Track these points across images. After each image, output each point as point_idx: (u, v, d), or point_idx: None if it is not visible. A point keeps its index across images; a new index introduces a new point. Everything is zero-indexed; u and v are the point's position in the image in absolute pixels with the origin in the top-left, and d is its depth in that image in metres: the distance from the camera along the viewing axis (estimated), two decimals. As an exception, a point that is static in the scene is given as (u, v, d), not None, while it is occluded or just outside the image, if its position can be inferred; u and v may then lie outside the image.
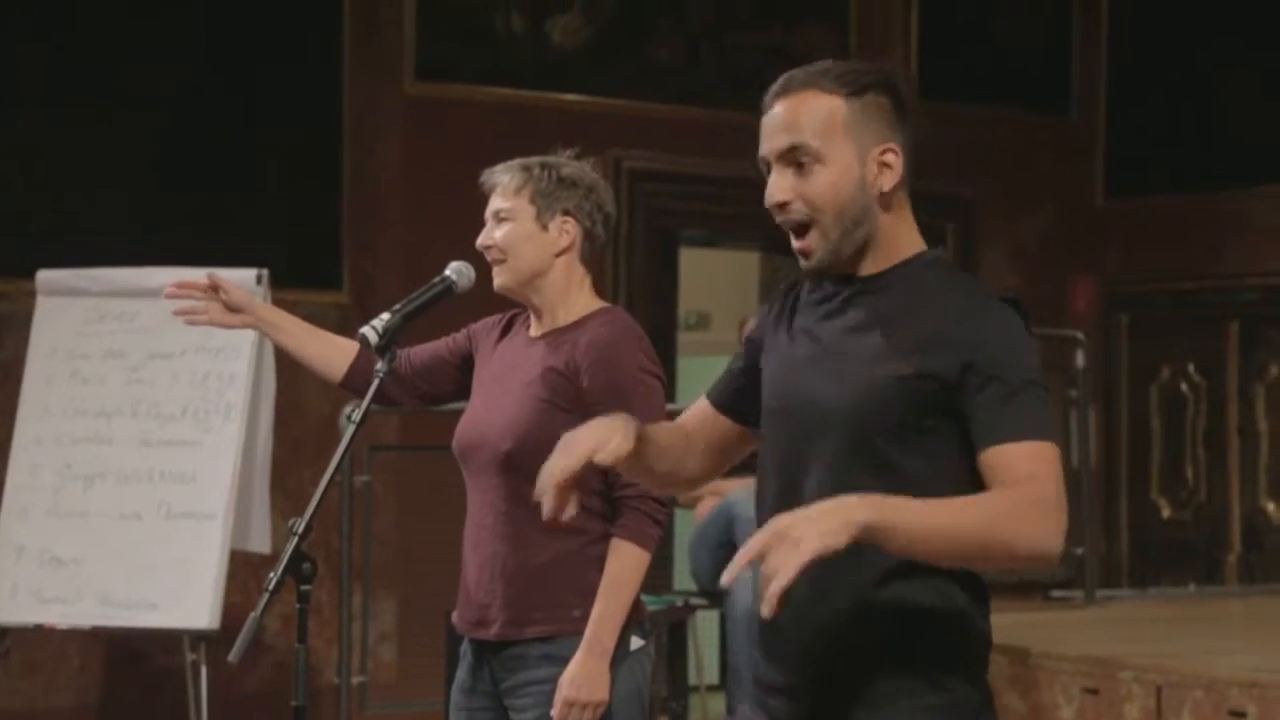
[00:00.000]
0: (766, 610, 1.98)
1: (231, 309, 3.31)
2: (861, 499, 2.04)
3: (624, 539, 3.11)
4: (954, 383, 2.20)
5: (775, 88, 2.32)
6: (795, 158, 2.27)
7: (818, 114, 2.27)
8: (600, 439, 2.22)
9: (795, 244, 2.31)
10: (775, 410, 2.36)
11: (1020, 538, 2.09)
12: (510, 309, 3.35)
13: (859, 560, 2.21)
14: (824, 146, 2.26)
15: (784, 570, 1.96)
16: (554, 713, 3.08)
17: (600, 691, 3.07)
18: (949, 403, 2.21)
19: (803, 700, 2.31)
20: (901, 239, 2.34)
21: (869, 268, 2.32)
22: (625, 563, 3.10)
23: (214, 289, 3.27)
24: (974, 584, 2.30)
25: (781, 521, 2.00)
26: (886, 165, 2.30)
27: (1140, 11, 8.62)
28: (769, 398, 2.38)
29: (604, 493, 3.13)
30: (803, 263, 2.32)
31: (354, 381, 3.36)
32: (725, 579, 2.03)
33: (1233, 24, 8.30)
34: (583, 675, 3.07)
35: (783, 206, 2.29)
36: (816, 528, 1.99)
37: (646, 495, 3.11)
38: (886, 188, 2.30)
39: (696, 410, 2.52)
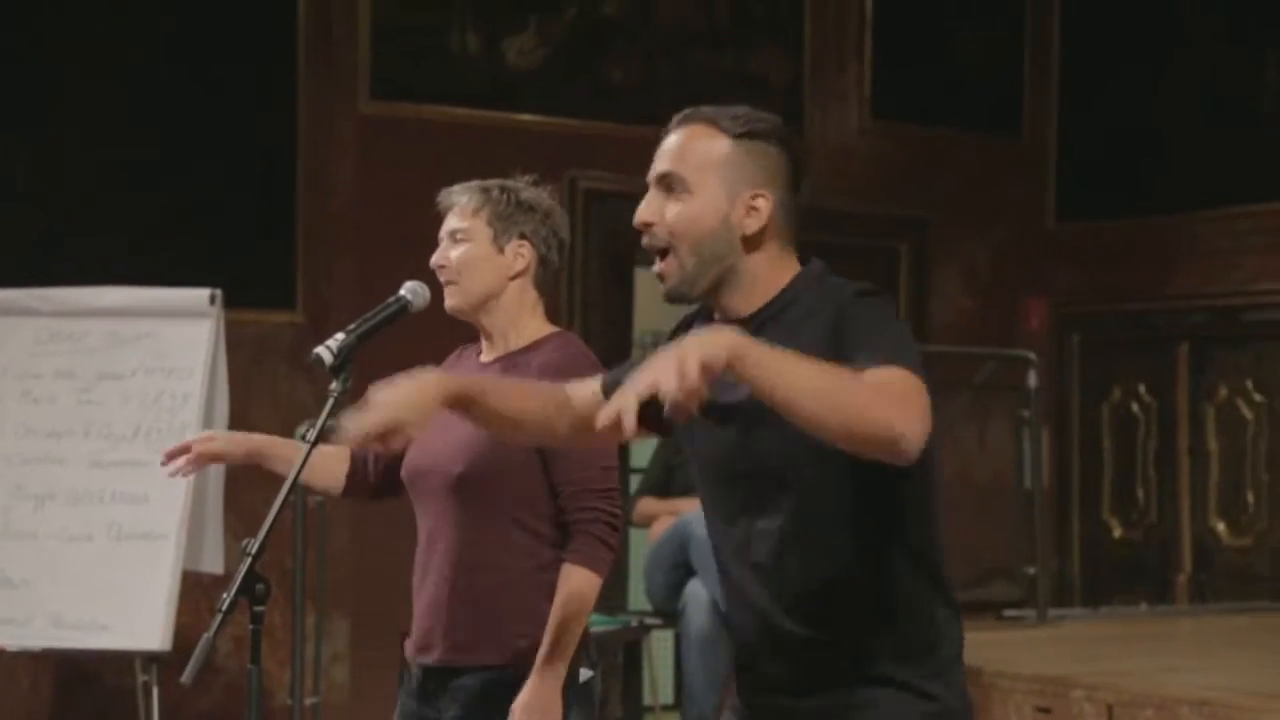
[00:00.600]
0: (677, 412, 2.04)
1: (219, 456, 3.28)
2: (733, 333, 2.08)
3: (576, 564, 3.09)
4: None
5: (678, 117, 2.43)
6: (668, 183, 2.38)
7: (700, 148, 2.38)
8: (397, 415, 2.37)
9: (655, 267, 2.40)
10: (705, 465, 2.43)
11: (874, 410, 2.08)
12: (460, 332, 3.34)
13: (817, 582, 2.25)
14: (695, 179, 2.36)
15: (674, 376, 2.01)
16: None
17: (553, 717, 3.06)
18: None
19: (790, 713, 2.35)
20: (774, 276, 2.39)
21: (744, 307, 2.38)
22: (578, 587, 3.08)
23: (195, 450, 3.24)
24: (937, 581, 2.35)
25: (665, 353, 2.05)
26: (754, 209, 2.36)
27: (1092, 36, 8.69)
28: (697, 454, 2.44)
29: (555, 518, 3.13)
30: (660, 286, 2.40)
31: (354, 491, 3.38)
32: (603, 416, 2.06)
33: (1184, 50, 8.37)
34: (536, 701, 3.05)
35: (646, 227, 2.39)
36: (697, 350, 2.02)
37: (599, 519, 3.10)
38: (749, 231, 2.36)
39: (585, 387, 2.59)
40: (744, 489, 2.35)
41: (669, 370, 1.99)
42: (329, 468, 3.36)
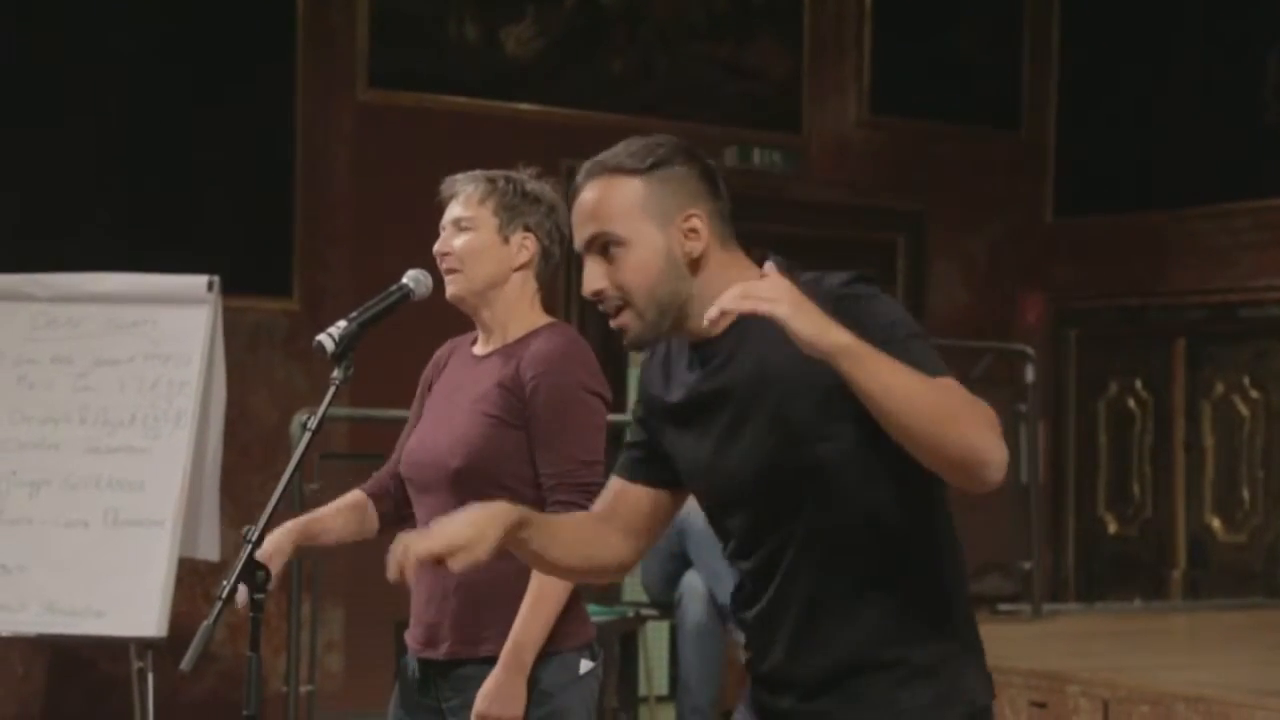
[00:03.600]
0: (714, 312, 2.08)
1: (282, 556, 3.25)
2: (839, 330, 2.08)
3: None
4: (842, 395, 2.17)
5: (579, 177, 2.38)
6: (601, 244, 2.34)
7: (616, 198, 2.33)
8: (464, 539, 2.23)
9: (612, 322, 2.37)
10: (704, 493, 2.40)
11: (974, 434, 2.09)
12: (456, 322, 3.33)
13: (849, 566, 2.26)
14: (625, 230, 2.32)
15: (750, 301, 2.05)
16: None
17: (514, 708, 3.05)
18: (844, 408, 2.18)
19: (809, 705, 2.34)
20: (731, 285, 2.26)
21: (711, 328, 2.28)
22: (543, 583, 3.07)
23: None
24: (953, 568, 2.35)
25: (780, 288, 2.07)
26: (693, 231, 2.33)
27: (1091, 31, 8.68)
28: (694, 484, 2.41)
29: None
30: (623, 339, 2.38)
31: (391, 524, 3.31)
32: (726, 302, 2.08)
33: (1183, 45, 8.37)
34: (497, 691, 3.05)
35: (598, 295, 2.35)
36: (808, 317, 2.06)
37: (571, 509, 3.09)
38: (695, 253, 2.34)
39: (609, 493, 2.52)
40: (740, 512, 2.33)
41: (759, 293, 2.04)
42: (349, 524, 3.31)
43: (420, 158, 6.72)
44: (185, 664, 2.63)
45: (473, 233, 3.19)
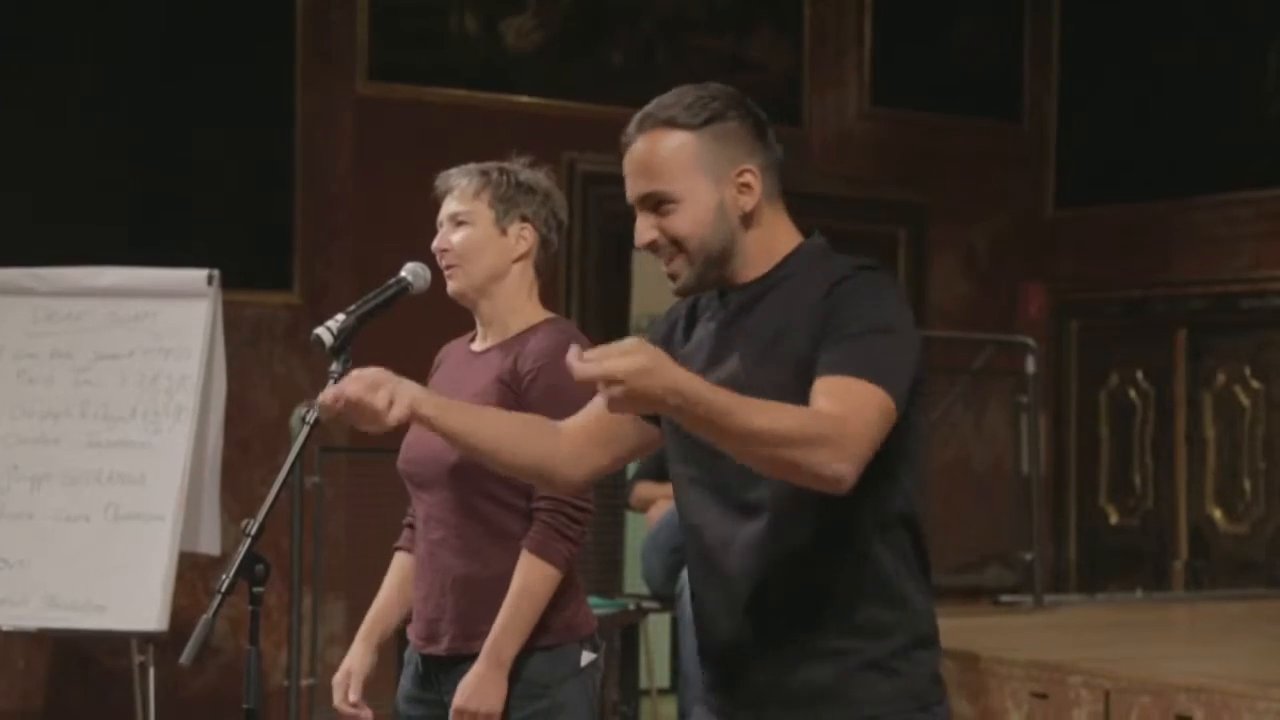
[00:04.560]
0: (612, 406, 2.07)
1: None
2: (670, 366, 2.08)
3: (529, 551, 3.08)
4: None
5: (630, 127, 2.38)
6: (654, 202, 2.34)
7: (668, 153, 2.34)
8: (375, 397, 2.32)
9: (664, 267, 2.38)
10: (685, 436, 2.36)
11: (809, 455, 2.11)
12: (456, 315, 3.32)
13: (786, 559, 2.26)
14: (678, 186, 2.33)
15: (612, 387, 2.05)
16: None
17: (493, 702, 3.05)
18: None
19: (755, 704, 2.32)
20: (775, 245, 2.38)
21: (744, 276, 2.37)
22: (529, 576, 3.07)
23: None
24: (915, 561, 2.33)
25: (613, 358, 2.06)
26: (746, 186, 2.35)
27: (1092, 23, 8.67)
28: (672, 438, 2.41)
29: None
30: (670, 285, 2.39)
31: None
32: (577, 364, 2.07)
33: (1183, 36, 8.35)
34: (475, 683, 3.05)
35: (651, 246, 2.36)
36: (637, 378, 2.04)
37: (559, 510, 3.08)
38: (748, 208, 2.35)
39: (583, 411, 2.52)
40: (717, 458, 2.30)
41: (613, 374, 2.03)
42: (409, 589, 3.31)
43: (420, 150, 6.71)
44: (185, 658, 2.63)
45: (470, 227, 3.19)
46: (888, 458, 2.22)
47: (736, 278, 2.37)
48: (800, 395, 2.20)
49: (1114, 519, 8.64)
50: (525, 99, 7.35)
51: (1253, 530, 8.20)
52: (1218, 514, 8.30)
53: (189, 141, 6.64)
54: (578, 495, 3.08)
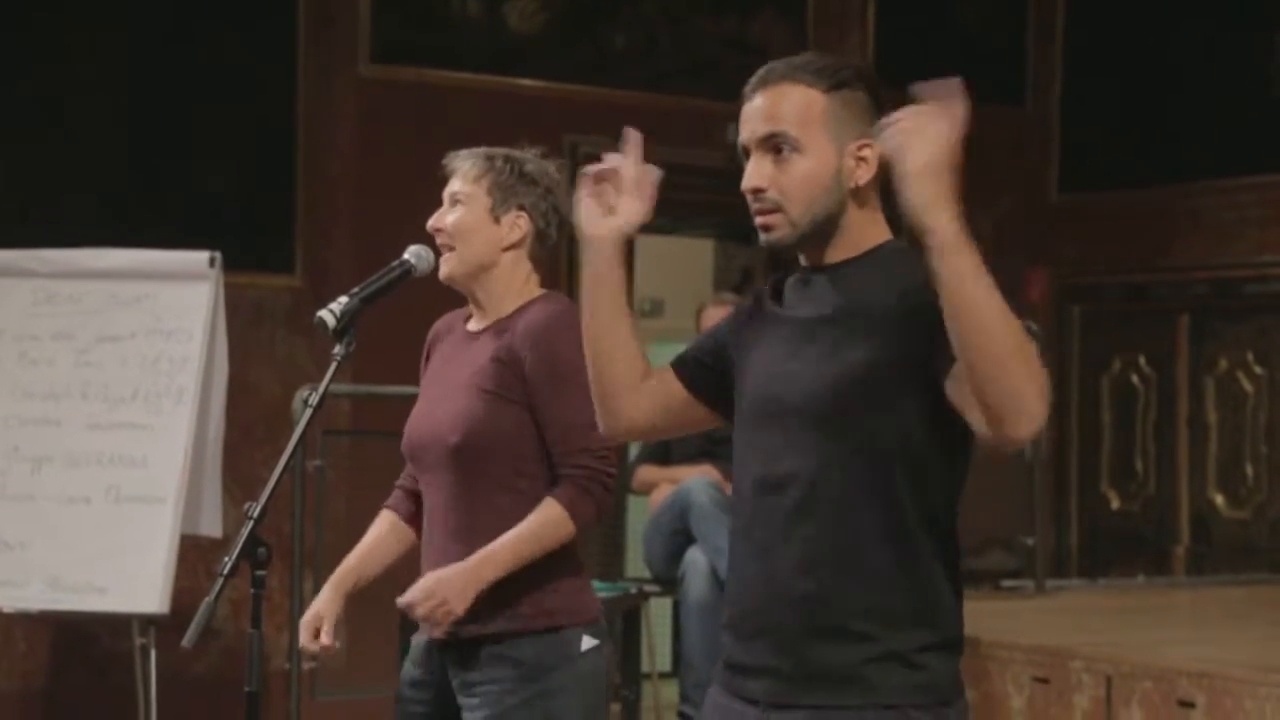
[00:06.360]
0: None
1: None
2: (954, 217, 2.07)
3: (554, 499, 3.07)
4: (925, 353, 2.18)
5: (755, 79, 2.34)
6: (774, 144, 2.30)
7: (797, 105, 2.30)
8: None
9: (758, 219, 2.32)
10: (753, 401, 2.35)
11: (1028, 380, 2.06)
12: (457, 296, 3.31)
13: (830, 538, 2.24)
14: (803, 137, 2.29)
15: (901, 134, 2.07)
16: (409, 595, 3.08)
17: (455, 603, 3.04)
18: (921, 376, 2.20)
19: (775, 680, 2.31)
20: (869, 231, 2.35)
21: (834, 256, 2.33)
22: (545, 518, 3.06)
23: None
24: (950, 564, 2.31)
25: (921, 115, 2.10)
26: (863, 160, 2.31)
27: (1096, 6, 8.65)
28: (748, 390, 2.38)
29: (553, 483, 3.11)
30: (762, 236, 2.33)
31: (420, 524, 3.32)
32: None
33: (1187, 19, 8.34)
34: (451, 576, 3.05)
35: (757, 192, 2.31)
36: (930, 184, 2.06)
37: (594, 476, 3.08)
38: (862, 182, 2.31)
39: (660, 368, 2.52)
40: (780, 427, 2.29)
41: (934, 130, 2.08)
42: (388, 550, 3.37)
43: (423, 133, 6.70)
44: (187, 640, 2.63)
45: (464, 208, 3.18)
46: (955, 455, 2.22)
47: (826, 256, 2.33)
48: (890, 386, 2.19)
49: (1116, 504, 8.64)
50: (527, 82, 7.34)
51: (1255, 515, 8.19)
52: (1220, 499, 8.30)
53: (191, 124, 6.62)
54: (607, 465, 3.08)
